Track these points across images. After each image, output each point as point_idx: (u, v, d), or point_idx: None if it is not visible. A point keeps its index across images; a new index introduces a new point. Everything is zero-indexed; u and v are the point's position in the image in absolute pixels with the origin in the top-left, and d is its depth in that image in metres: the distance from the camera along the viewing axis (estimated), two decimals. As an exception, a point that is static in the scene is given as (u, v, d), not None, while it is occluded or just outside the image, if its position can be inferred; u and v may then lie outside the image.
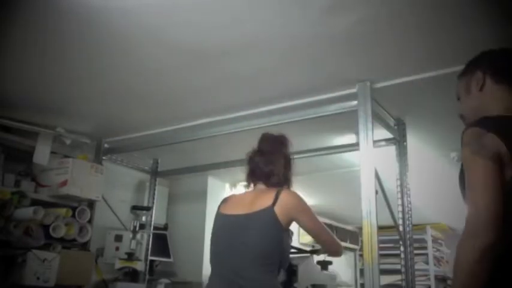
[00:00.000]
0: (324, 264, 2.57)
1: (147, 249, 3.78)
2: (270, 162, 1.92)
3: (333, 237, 1.95)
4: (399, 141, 2.82)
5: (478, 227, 1.10)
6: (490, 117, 1.32)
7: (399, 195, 2.78)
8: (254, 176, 1.96)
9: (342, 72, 2.36)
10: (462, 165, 1.27)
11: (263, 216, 1.76)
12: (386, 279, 4.26)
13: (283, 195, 1.80)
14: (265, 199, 1.79)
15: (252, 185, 1.98)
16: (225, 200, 2.01)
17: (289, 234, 1.86)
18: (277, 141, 2.00)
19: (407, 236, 2.71)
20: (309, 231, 1.88)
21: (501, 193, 1.13)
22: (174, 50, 2.19)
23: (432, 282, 5.19)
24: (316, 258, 2.49)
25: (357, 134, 2.39)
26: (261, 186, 1.94)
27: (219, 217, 1.93)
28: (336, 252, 1.98)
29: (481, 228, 1.10)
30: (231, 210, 1.89)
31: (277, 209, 1.75)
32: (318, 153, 3.28)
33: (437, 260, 5.42)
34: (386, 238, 3.80)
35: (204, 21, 1.95)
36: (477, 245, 1.09)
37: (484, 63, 1.44)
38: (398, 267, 2.78)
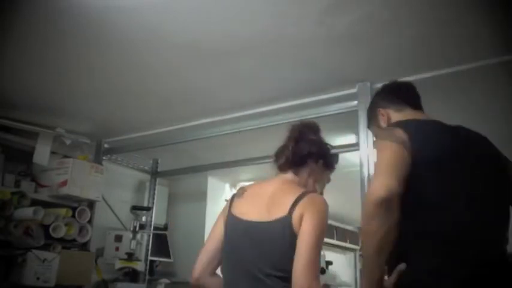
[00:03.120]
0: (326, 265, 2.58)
1: (147, 250, 3.78)
2: (285, 147, 1.68)
3: (312, 268, 1.38)
4: (399, 141, 2.82)
5: (374, 187, 1.28)
6: (396, 122, 1.57)
7: (399, 195, 2.77)
8: (276, 164, 1.68)
9: (342, 72, 2.36)
10: None
11: (278, 227, 1.46)
12: (386, 279, 4.25)
13: (305, 199, 1.48)
14: (284, 202, 1.49)
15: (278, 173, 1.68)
16: (240, 193, 1.66)
17: None
18: (295, 127, 1.74)
19: (407, 236, 2.70)
20: (297, 245, 1.42)
21: (404, 171, 1.31)
22: (174, 50, 2.19)
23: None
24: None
25: (357, 134, 2.39)
26: (287, 176, 1.65)
27: (232, 219, 1.60)
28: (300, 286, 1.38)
29: (377, 188, 1.26)
30: (246, 212, 1.57)
31: (294, 218, 1.45)
32: (318, 153, 3.27)
33: (437, 260, 5.41)
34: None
35: (204, 22, 1.95)
36: (372, 198, 1.26)
37: (380, 102, 1.70)
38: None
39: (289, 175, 1.65)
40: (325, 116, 2.56)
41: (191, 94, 2.71)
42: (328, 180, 1.77)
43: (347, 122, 2.58)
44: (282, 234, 1.45)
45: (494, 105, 2.65)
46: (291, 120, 2.64)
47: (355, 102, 2.41)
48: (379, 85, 2.41)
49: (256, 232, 1.51)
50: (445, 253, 1.29)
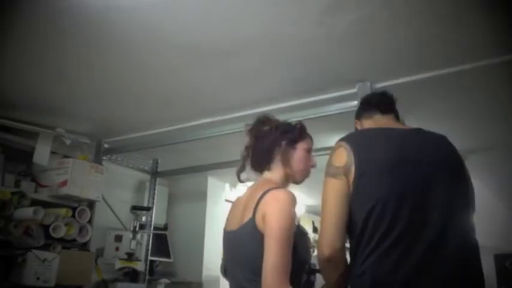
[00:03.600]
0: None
1: (147, 250, 3.78)
2: (247, 152, 1.63)
3: (279, 268, 1.29)
4: (399, 141, 2.82)
5: (320, 247, 1.44)
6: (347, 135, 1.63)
7: (399, 195, 2.77)
8: (251, 170, 1.63)
9: (342, 72, 2.36)
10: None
11: (245, 230, 1.43)
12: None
13: (266, 197, 1.41)
14: (251, 205, 1.44)
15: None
16: (232, 206, 1.66)
17: (302, 236, 1.52)
18: (249, 130, 1.68)
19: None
20: (264, 248, 1.34)
21: (341, 207, 1.44)
22: (174, 50, 2.19)
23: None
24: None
25: (357, 134, 2.39)
26: (264, 175, 1.60)
27: (223, 232, 1.60)
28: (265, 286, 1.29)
29: (323, 248, 1.43)
30: (228, 223, 1.57)
31: (257, 217, 1.39)
32: (318, 153, 3.26)
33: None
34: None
35: (204, 22, 1.95)
36: (320, 257, 1.44)
37: (357, 113, 1.80)
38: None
39: (265, 174, 1.59)
40: (325, 116, 2.56)
41: (191, 94, 2.71)
42: (309, 150, 1.65)
43: (347, 122, 2.57)
44: (250, 238, 1.40)
45: (494, 105, 2.65)
46: (291, 120, 2.64)
47: (355, 102, 2.41)
48: (379, 85, 2.41)
49: (234, 240, 1.50)
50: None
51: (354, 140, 1.54)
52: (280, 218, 1.35)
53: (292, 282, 1.31)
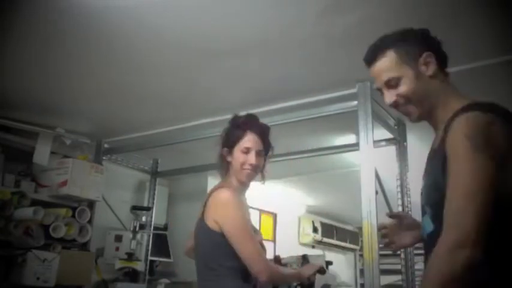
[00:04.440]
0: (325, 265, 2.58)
1: (147, 250, 3.78)
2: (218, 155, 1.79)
3: (258, 261, 1.56)
4: (399, 141, 2.82)
5: (466, 238, 0.99)
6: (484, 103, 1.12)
7: (399, 195, 2.78)
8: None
9: (342, 72, 2.36)
10: (445, 152, 1.09)
11: (198, 228, 1.70)
12: (386, 279, 4.26)
13: (209, 201, 1.66)
14: (201, 206, 1.70)
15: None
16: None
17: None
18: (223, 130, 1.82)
19: (408, 236, 2.71)
20: (234, 248, 1.58)
21: (492, 200, 1.00)
22: (174, 50, 2.19)
23: (432, 282, 5.17)
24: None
25: (357, 134, 2.39)
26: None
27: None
28: (257, 273, 1.55)
29: (468, 241, 0.98)
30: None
31: (207, 219, 1.64)
32: (318, 153, 3.28)
33: (438, 260, 5.41)
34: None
35: (205, 22, 1.95)
36: (461, 257, 0.98)
37: (430, 42, 1.29)
38: (398, 267, 2.78)
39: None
40: (325, 116, 2.56)
41: (191, 94, 2.71)
42: (246, 148, 1.72)
43: (347, 122, 2.58)
44: (202, 234, 1.67)
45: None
46: (291, 120, 2.65)
47: (355, 102, 2.41)
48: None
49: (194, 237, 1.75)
50: None
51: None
52: (230, 216, 1.59)
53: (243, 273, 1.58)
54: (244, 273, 1.59)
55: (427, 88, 1.24)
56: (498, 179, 1.02)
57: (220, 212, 1.61)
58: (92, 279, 3.23)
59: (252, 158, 1.70)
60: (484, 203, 1.00)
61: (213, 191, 1.69)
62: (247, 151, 1.71)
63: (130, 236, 3.43)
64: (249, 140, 1.72)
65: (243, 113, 1.86)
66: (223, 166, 1.78)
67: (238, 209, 1.61)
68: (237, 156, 1.72)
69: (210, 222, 1.62)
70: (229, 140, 1.76)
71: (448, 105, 1.20)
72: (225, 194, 1.64)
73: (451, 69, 1.32)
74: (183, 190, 4.38)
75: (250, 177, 1.73)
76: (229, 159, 1.74)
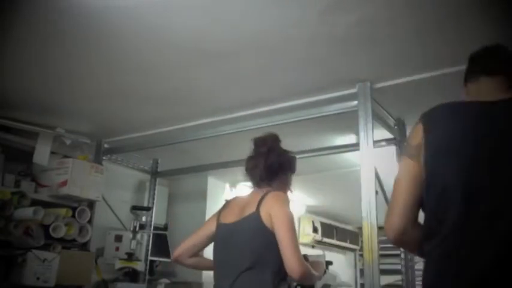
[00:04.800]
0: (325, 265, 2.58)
1: (147, 250, 3.78)
2: (255, 165, 1.89)
3: (298, 259, 1.64)
4: (399, 141, 2.82)
5: (385, 228, 1.34)
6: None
7: (399, 195, 2.77)
8: (250, 179, 1.95)
9: (342, 72, 2.36)
10: None
11: (249, 222, 1.75)
12: (386, 279, 4.26)
13: (267, 197, 1.76)
14: (253, 203, 1.76)
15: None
16: (225, 205, 1.97)
17: None
18: (262, 142, 1.93)
19: (408, 236, 2.70)
20: (278, 240, 1.67)
21: (414, 188, 1.30)
22: (174, 50, 2.19)
23: (432, 282, 5.17)
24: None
25: (357, 134, 2.39)
26: (255, 188, 1.91)
27: (218, 226, 1.89)
28: (293, 269, 1.63)
29: (387, 230, 1.34)
30: (226, 218, 1.86)
31: (262, 213, 1.72)
32: (318, 153, 3.28)
33: (438, 260, 5.41)
34: (387, 238, 3.79)
35: (205, 22, 1.95)
36: (389, 234, 1.33)
37: (465, 77, 1.39)
38: (398, 267, 2.77)
39: (256, 188, 1.89)
40: (325, 116, 2.56)
41: (191, 94, 2.71)
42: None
43: (347, 122, 2.58)
44: (251, 227, 1.72)
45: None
46: (291, 120, 2.65)
47: (355, 102, 2.41)
48: (379, 85, 2.42)
49: (231, 231, 1.80)
50: None
51: (430, 116, 1.33)
52: (286, 214, 1.71)
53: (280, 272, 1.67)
54: (283, 269, 1.66)
55: None
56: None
57: (277, 205, 1.73)
58: (92, 279, 3.23)
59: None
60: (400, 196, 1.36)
61: (269, 191, 1.79)
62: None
63: (130, 236, 3.43)
64: None
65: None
66: (269, 178, 1.88)
67: (290, 209, 1.76)
68: (290, 182, 1.99)
69: (264, 215, 1.71)
70: (295, 168, 1.99)
71: None
72: (284, 195, 1.83)
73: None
74: (183, 190, 4.39)
75: None
76: (283, 178, 1.93)
